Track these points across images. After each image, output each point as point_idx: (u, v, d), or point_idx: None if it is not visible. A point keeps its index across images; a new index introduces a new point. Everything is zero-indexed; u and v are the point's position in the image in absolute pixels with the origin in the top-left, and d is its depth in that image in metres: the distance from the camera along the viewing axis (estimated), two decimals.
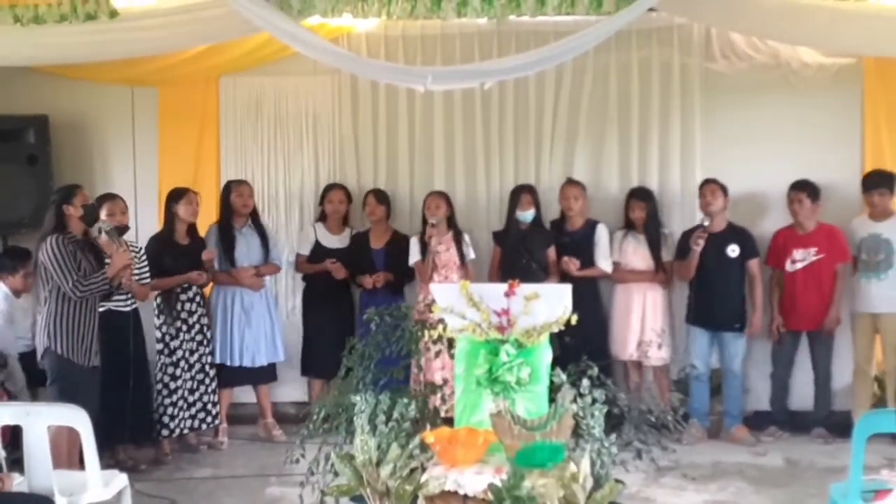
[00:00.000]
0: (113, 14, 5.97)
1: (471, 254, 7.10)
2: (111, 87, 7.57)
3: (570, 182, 7.14)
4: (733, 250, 6.78)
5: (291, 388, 7.54)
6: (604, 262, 7.06)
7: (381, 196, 7.31)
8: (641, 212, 7.04)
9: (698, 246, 6.73)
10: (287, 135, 7.67)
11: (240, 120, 7.68)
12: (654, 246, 7.04)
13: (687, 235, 6.91)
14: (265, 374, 7.17)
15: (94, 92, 7.57)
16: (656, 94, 7.34)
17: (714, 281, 6.81)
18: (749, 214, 7.12)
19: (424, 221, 7.04)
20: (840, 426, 6.51)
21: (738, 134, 7.26)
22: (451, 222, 7.11)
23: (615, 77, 7.37)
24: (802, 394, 7.08)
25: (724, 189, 6.85)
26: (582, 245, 7.04)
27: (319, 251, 7.29)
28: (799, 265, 6.89)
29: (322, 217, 7.41)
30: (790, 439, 6.91)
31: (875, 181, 6.78)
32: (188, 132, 7.62)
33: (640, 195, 7.10)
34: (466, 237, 7.14)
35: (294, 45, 6.14)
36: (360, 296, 7.32)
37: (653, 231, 7.06)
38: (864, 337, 6.88)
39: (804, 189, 6.85)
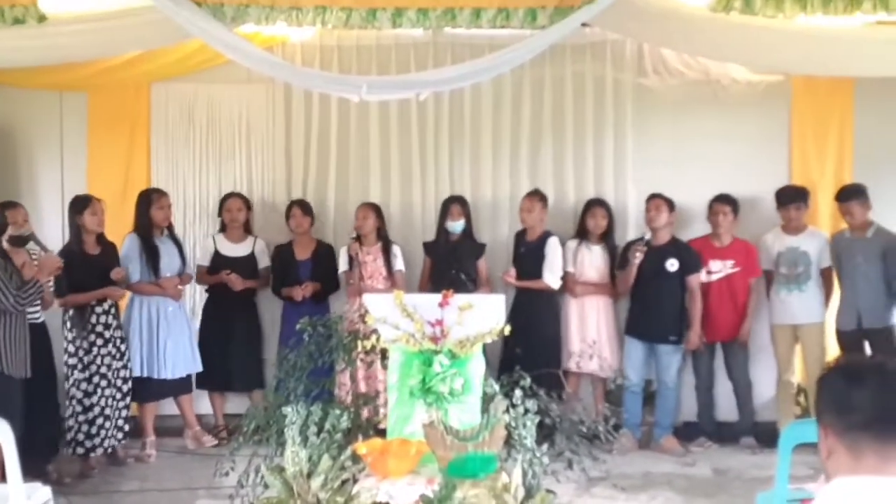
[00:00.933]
0: (41, 19, 5.81)
1: (398, 265, 7.06)
2: (39, 92, 7.41)
3: (529, 193, 7.16)
4: (672, 264, 6.85)
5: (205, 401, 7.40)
6: (549, 276, 7.02)
7: (305, 208, 7.25)
8: (603, 220, 7.09)
9: (636, 259, 6.81)
10: (219, 143, 7.59)
11: (171, 127, 7.58)
12: (613, 255, 7.11)
13: (629, 247, 6.99)
14: (184, 386, 7.06)
15: (20, 97, 7.41)
16: (590, 108, 7.42)
17: (652, 294, 6.88)
18: (678, 227, 7.21)
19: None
20: (767, 436, 6.62)
21: (668, 148, 7.36)
22: (380, 233, 7.09)
23: (550, 91, 7.43)
24: (730, 405, 7.18)
25: (669, 204, 6.94)
26: (536, 256, 7.05)
27: (219, 261, 7.19)
28: (714, 276, 7.01)
29: (223, 227, 7.32)
30: (719, 450, 7.00)
31: (791, 196, 6.94)
32: (118, 139, 7.48)
33: (601, 203, 7.16)
34: (396, 248, 7.10)
35: (227, 53, 6.07)
36: (283, 307, 7.24)
37: (611, 242, 7.12)
38: (784, 348, 7.02)
39: (729, 202, 6.98)
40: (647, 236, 6.87)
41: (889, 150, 7.15)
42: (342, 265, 7.08)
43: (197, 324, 7.26)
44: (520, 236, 7.21)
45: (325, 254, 7.25)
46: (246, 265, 7.21)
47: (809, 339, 6.91)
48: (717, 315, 7.02)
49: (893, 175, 6.85)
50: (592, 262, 7.11)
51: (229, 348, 7.08)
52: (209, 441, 7.02)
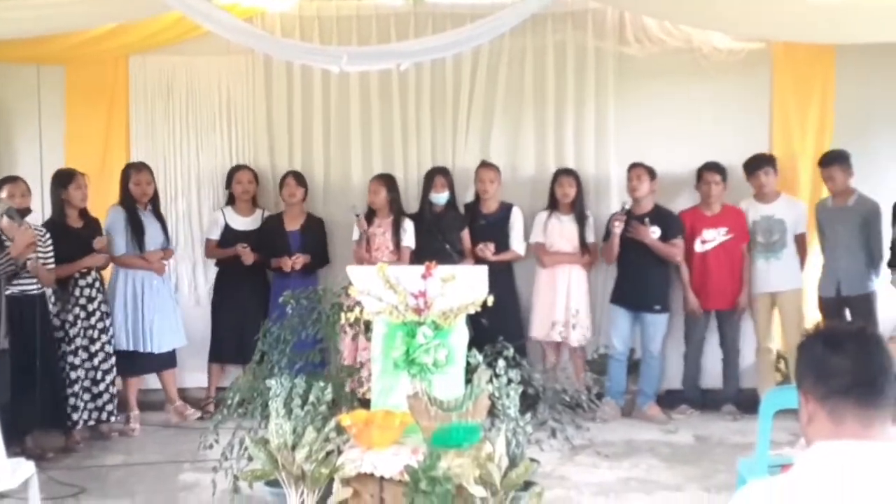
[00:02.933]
0: None
1: (406, 240, 6.99)
2: (16, 66, 7.32)
3: (486, 164, 7.16)
4: (654, 231, 6.87)
5: (195, 375, 7.39)
6: (518, 245, 7.10)
7: (300, 178, 7.23)
8: (571, 189, 7.06)
9: (617, 228, 6.82)
10: (199, 116, 7.52)
11: (150, 100, 7.49)
12: (582, 225, 7.11)
13: (612, 217, 6.99)
14: (169, 360, 7.04)
15: None
16: (571, 77, 7.38)
17: (636, 262, 6.90)
18: (661, 196, 7.22)
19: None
20: (748, 403, 6.67)
21: (650, 117, 7.34)
22: (392, 206, 7.05)
23: (531, 60, 7.39)
24: (713, 372, 7.24)
25: (650, 172, 6.94)
26: (497, 228, 7.07)
27: (229, 235, 7.18)
28: (709, 245, 7.03)
29: (231, 200, 7.30)
30: (701, 416, 7.06)
31: (758, 162, 6.96)
32: (96, 112, 7.41)
33: (570, 173, 7.14)
34: (407, 223, 7.03)
35: (206, 24, 6.00)
36: (272, 279, 7.24)
37: (580, 210, 7.13)
38: (763, 316, 7.07)
39: (718, 171, 7.00)
40: (627, 205, 6.87)
41: (870, 117, 7.15)
42: (354, 234, 7.04)
43: (196, 299, 7.35)
44: (473, 208, 7.19)
45: (315, 226, 7.24)
46: (256, 238, 7.19)
47: (787, 306, 6.96)
48: (715, 284, 7.04)
49: (874, 143, 6.86)
50: (563, 231, 7.10)
51: (241, 321, 6.92)
52: (193, 414, 7.01)
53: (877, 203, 6.77)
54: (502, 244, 7.05)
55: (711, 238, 7.02)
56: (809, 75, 7.26)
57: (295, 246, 7.14)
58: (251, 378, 4.43)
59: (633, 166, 6.98)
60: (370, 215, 7.02)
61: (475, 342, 4.54)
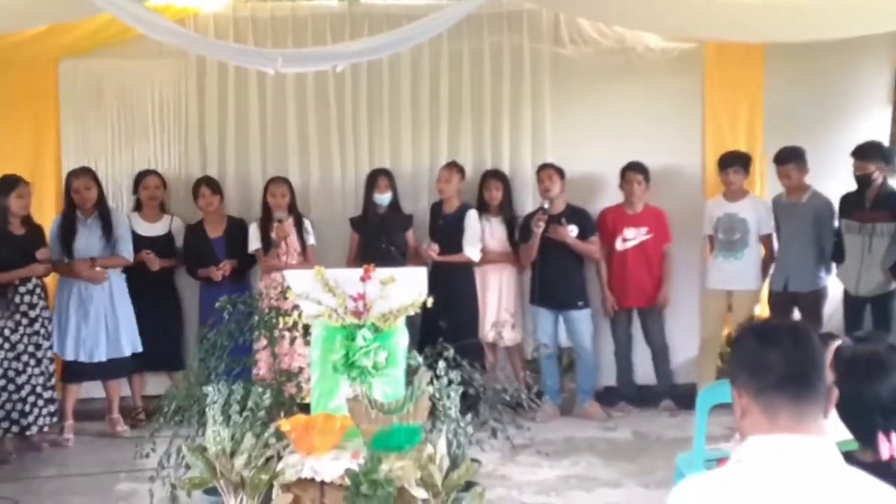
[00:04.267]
0: None
1: (311, 239, 7.02)
2: None
3: (446, 165, 7.16)
4: (572, 230, 6.93)
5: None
6: (469, 249, 7.04)
7: (213, 185, 7.12)
8: (498, 191, 7.10)
9: (538, 228, 6.85)
10: (132, 120, 7.39)
11: (81, 105, 7.35)
12: (511, 227, 7.13)
13: (528, 219, 7.02)
14: (113, 370, 6.90)
15: None
16: (508, 78, 7.42)
17: (555, 261, 6.94)
18: (590, 194, 7.29)
19: (265, 206, 6.95)
20: (686, 398, 6.75)
21: (586, 117, 7.42)
22: (291, 208, 7.01)
23: (468, 61, 7.41)
24: (649, 369, 7.32)
25: (560, 172, 6.99)
26: (453, 228, 7.06)
27: (136, 241, 7.01)
28: (630, 244, 7.11)
29: (138, 205, 7.18)
30: (639, 413, 7.14)
31: (730, 160, 7.02)
32: (25, 118, 7.22)
33: (497, 175, 7.17)
34: (307, 223, 7.06)
35: (137, 26, 5.90)
36: (200, 287, 7.13)
37: (508, 212, 7.14)
38: (714, 313, 7.14)
39: (640, 170, 7.07)
40: (546, 205, 6.92)
41: (799, 115, 7.29)
42: (254, 243, 6.99)
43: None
44: (436, 208, 7.20)
45: (237, 230, 7.16)
46: (164, 244, 7.08)
47: (741, 306, 7.02)
48: (634, 281, 7.14)
49: (803, 141, 6.97)
50: (492, 233, 7.15)
51: (149, 329, 6.94)
52: (124, 432, 6.85)
53: (829, 200, 6.89)
54: (457, 245, 7.03)
55: (632, 237, 7.10)
56: (740, 74, 7.39)
57: (220, 252, 7.06)
58: (187, 385, 4.36)
59: (544, 167, 7.03)
60: (269, 219, 6.93)
61: (432, 344, 4.54)
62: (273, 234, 6.86)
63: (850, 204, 6.77)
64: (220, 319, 4.50)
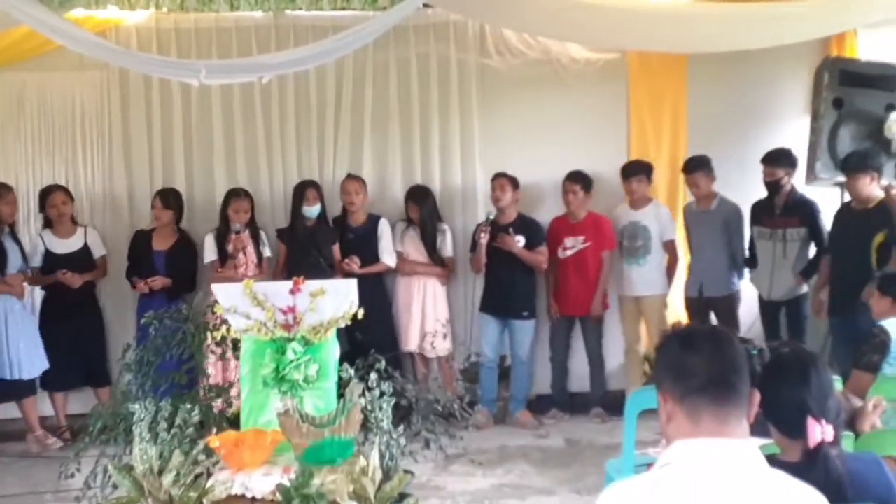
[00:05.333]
0: None
1: (267, 252, 7.00)
2: None
3: (350, 177, 7.15)
4: (519, 240, 6.98)
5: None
6: (387, 257, 7.10)
7: (167, 200, 7.00)
8: (416, 213, 7.16)
9: (483, 239, 6.90)
10: (53, 134, 7.23)
11: (1, 119, 7.18)
12: (429, 243, 7.16)
13: (478, 229, 7.06)
14: (29, 388, 6.75)
15: None
16: (435, 89, 7.44)
17: (503, 271, 6.99)
18: (526, 205, 7.34)
19: (224, 220, 6.88)
20: (616, 405, 6.84)
21: (514, 128, 7.47)
22: (250, 221, 6.95)
23: (395, 72, 7.41)
24: (581, 376, 7.38)
25: (513, 182, 7.04)
26: (365, 241, 7.06)
27: (51, 259, 6.91)
28: (569, 252, 7.18)
29: (48, 223, 7.03)
30: (571, 420, 7.20)
31: (633, 169, 7.15)
32: None
33: (415, 198, 7.19)
34: (263, 235, 7.02)
35: (56, 38, 5.78)
36: (138, 300, 7.02)
37: (430, 229, 7.16)
38: (630, 319, 7.26)
39: (578, 180, 7.13)
40: (491, 216, 6.96)
41: (721, 124, 7.44)
42: (209, 255, 6.90)
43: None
44: (340, 222, 7.18)
45: (183, 249, 7.06)
46: (81, 259, 6.95)
47: (650, 311, 7.16)
48: (573, 290, 7.20)
49: (725, 149, 7.13)
50: (417, 244, 7.19)
51: (72, 346, 6.80)
52: (54, 444, 6.73)
53: (738, 206, 7.06)
54: (371, 256, 7.03)
55: (571, 246, 7.17)
56: (663, 84, 7.52)
57: (160, 266, 6.95)
58: (113, 403, 4.28)
59: (497, 176, 7.08)
60: (226, 232, 6.86)
61: (350, 356, 4.51)
62: (230, 247, 6.77)
63: (761, 210, 6.96)
64: (147, 335, 4.43)
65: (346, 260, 6.97)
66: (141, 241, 7.05)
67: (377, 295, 6.98)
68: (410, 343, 7.07)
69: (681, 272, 7.30)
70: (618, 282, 7.28)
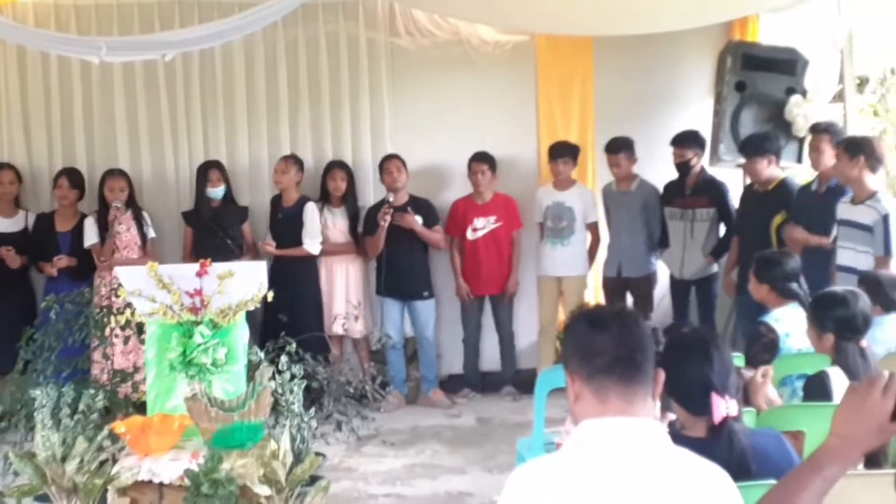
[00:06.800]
0: None
1: (151, 233, 6.86)
2: None
3: (284, 157, 7.05)
4: (417, 220, 6.98)
5: None
6: (308, 242, 6.93)
7: (73, 179, 6.82)
8: (342, 182, 7.05)
9: (385, 221, 6.86)
10: None
11: None
12: (354, 218, 7.11)
13: (373, 211, 7.02)
14: None
15: None
16: (345, 68, 7.35)
17: (401, 252, 6.98)
18: (435, 186, 7.35)
19: (102, 200, 6.70)
20: (528, 383, 6.89)
21: (425, 108, 7.44)
22: (130, 201, 6.79)
23: (304, 51, 7.30)
24: (492, 355, 7.45)
25: (404, 163, 7.04)
26: (293, 221, 6.94)
27: None
28: (480, 233, 7.21)
29: None
30: (482, 399, 7.26)
31: (560, 150, 7.20)
32: None
33: (341, 165, 7.13)
34: (146, 216, 6.87)
35: None
36: (44, 283, 6.83)
37: (352, 203, 7.12)
38: (548, 299, 7.32)
39: (485, 160, 7.16)
40: (391, 198, 6.94)
41: (626, 106, 7.52)
42: (90, 238, 6.73)
43: None
44: (276, 202, 7.10)
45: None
46: (21, 240, 6.74)
47: (570, 291, 7.21)
48: (486, 270, 7.23)
49: (631, 130, 7.20)
50: (335, 224, 7.10)
51: (5, 329, 6.52)
52: None
53: (656, 188, 7.18)
54: (297, 238, 6.94)
55: (482, 226, 7.20)
56: (570, 66, 7.57)
57: (64, 248, 6.77)
58: (14, 389, 4.17)
59: (389, 157, 7.07)
60: (105, 214, 6.70)
61: (275, 338, 4.46)
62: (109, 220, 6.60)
63: (671, 191, 7.10)
64: (48, 318, 4.32)
65: (261, 242, 6.89)
66: (44, 224, 6.85)
67: (305, 277, 6.92)
68: (332, 324, 7.00)
69: (600, 253, 7.39)
70: (537, 262, 7.33)
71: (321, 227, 7.02)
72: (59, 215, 6.88)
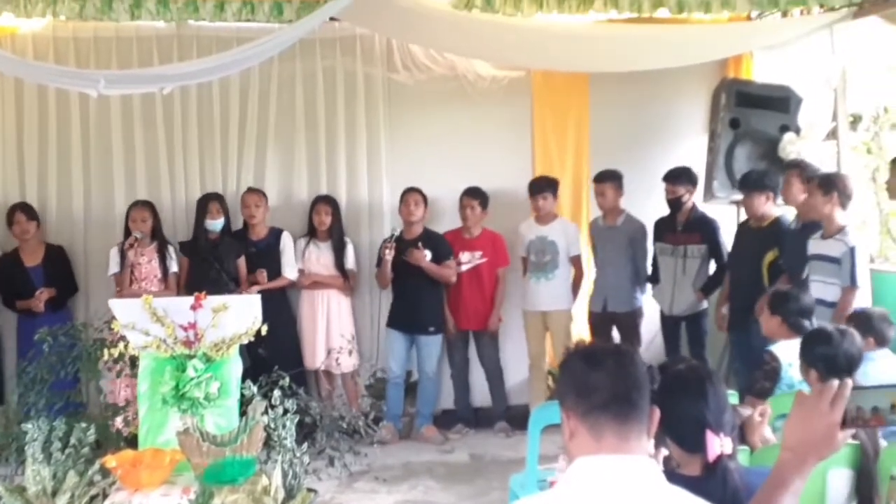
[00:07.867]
0: None
1: (173, 266, 6.83)
2: None
3: (251, 190, 7.06)
4: (426, 255, 6.98)
5: None
6: (289, 271, 7.00)
7: (29, 212, 6.80)
8: (327, 216, 7.05)
9: (387, 256, 6.88)
10: None
11: None
12: (339, 253, 7.11)
13: (384, 245, 7.03)
14: None
15: None
16: (342, 103, 7.39)
17: (410, 286, 7.00)
18: (431, 219, 7.35)
19: (127, 231, 6.70)
20: (520, 419, 6.86)
21: (421, 142, 7.48)
22: (155, 233, 6.79)
23: (301, 85, 7.34)
24: (485, 391, 7.41)
25: (424, 197, 7.06)
26: (267, 254, 6.96)
27: None
28: (464, 267, 7.21)
29: None
30: (475, 435, 7.21)
31: (540, 186, 7.22)
32: None
33: (327, 200, 7.14)
34: (171, 249, 6.85)
35: None
36: (17, 319, 6.77)
37: (337, 238, 7.12)
38: (534, 334, 7.30)
39: (476, 196, 7.18)
40: (396, 231, 6.96)
41: (621, 142, 7.57)
42: (112, 267, 6.70)
43: None
44: (241, 236, 7.08)
45: (56, 257, 6.86)
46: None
47: (556, 326, 7.21)
48: (468, 305, 7.23)
49: (626, 165, 7.24)
50: (320, 258, 7.09)
51: None
52: None
53: (643, 224, 7.19)
54: (274, 271, 6.94)
55: (467, 260, 7.20)
56: (566, 102, 7.62)
57: (38, 281, 6.73)
58: (5, 422, 4.14)
59: (410, 191, 7.08)
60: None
61: (253, 373, 4.44)
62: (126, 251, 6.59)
63: (663, 227, 7.13)
64: (40, 352, 4.30)
65: (256, 273, 6.86)
66: (10, 263, 6.79)
67: (281, 310, 6.89)
68: (316, 359, 6.98)
69: (585, 287, 7.39)
70: (522, 297, 7.33)
71: (307, 261, 7.05)
72: (24, 251, 6.82)
